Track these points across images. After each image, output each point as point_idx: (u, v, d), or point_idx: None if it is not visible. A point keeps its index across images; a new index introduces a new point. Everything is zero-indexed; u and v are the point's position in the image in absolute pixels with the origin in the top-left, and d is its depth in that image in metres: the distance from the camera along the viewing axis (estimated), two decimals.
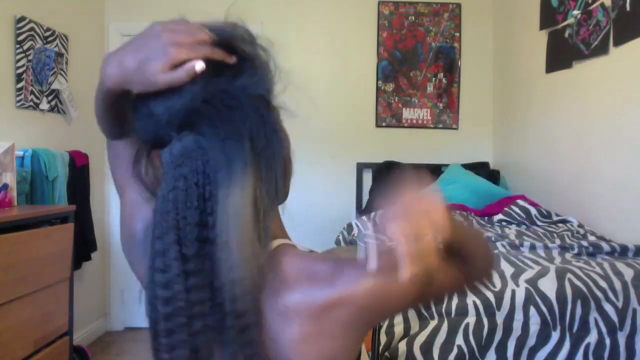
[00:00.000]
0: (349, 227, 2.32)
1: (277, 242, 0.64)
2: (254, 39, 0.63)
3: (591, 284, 1.26)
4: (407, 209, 0.52)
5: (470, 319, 1.23)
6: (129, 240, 0.71)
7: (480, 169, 3.10)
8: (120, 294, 3.38)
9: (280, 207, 0.68)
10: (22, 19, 2.43)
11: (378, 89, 3.35)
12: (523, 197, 2.53)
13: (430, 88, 3.35)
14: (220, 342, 0.56)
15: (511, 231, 2.08)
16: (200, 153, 0.56)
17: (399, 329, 1.26)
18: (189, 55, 0.55)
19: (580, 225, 2.11)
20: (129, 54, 0.56)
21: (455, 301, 1.27)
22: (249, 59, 0.60)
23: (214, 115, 0.56)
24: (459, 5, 3.34)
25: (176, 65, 0.55)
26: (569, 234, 1.99)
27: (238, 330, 0.55)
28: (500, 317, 1.23)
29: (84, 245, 2.81)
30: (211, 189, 0.55)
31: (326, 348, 0.58)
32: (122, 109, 0.64)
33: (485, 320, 1.22)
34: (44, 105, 2.61)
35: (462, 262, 0.65)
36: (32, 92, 2.52)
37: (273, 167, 0.60)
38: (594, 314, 1.21)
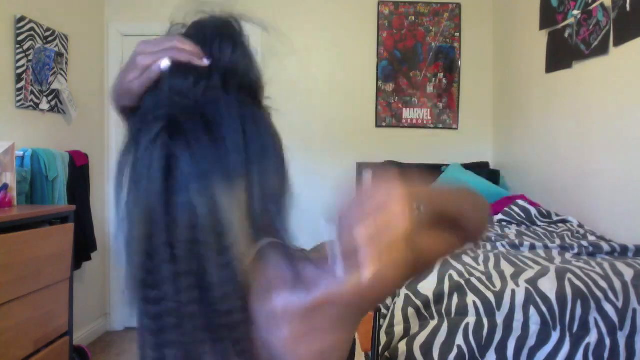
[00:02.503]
0: None
1: (265, 241, 0.63)
2: (239, 37, 0.63)
3: (591, 284, 1.26)
4: (363, 207, 0.53)
5: (470, 319, 1.23)
6: None
7: (480, 169, 3.10)
8: (121, 294, 3.38)
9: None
10: (22, 19, 2.43)
11: (378, 89, 3.35)
12: (523, 197, 2.53)
13: (430, 88, 3.36)
14: (211, 341, 0.56)
15: (511, 231, 2.08)
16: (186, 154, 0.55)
17: (399, 329, 1.26)
18: (153, 60, 0.60)
19: (580, 225, 2.11)
20: (121, 72, 0.65)
21: (455, 301, 1.27)
22: (230, 59, 0.61)
23: (196, 123, 0.56)
24: (459, 5, 3.34)
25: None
26: (569, 234, 1.99)
27: (228, 328, 0.55)
28: (500, 317, 1.22)
29: (84, 245, 2.81)
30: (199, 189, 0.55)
31: (319, 344, 0.59)
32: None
33: (485, 320, 1.22)
34: (44, 105, 2.61)
35: (453, 225, 0.67)
36: (32, 92, 2.52)
37: (264, 167, 0.59)
38: (594, 314, 1.21)
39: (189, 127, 0.56)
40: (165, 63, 0.59)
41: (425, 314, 1.27)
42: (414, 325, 1.25)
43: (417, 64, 3.35)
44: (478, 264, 1.45)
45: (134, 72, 0.61)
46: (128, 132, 0.61)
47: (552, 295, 1.23)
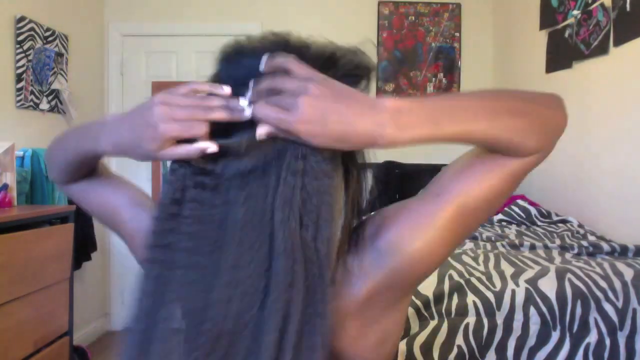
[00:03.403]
0: None
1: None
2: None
3: (591, 284, 1.26)
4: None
5: (470, 319, 1.23)
6: None
7: None
8: (120, 294, 3.38)
9: None
10: (22, 19, 2.43)
11: (378, 89, 3.35)
12: (523, 197, 2.53)
13: (430, 88, 3.35)
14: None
15: (511, 231, 2.08)
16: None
17: None
18: (180, 133, 0.52)
19: (580, 225, 2.11)
20: (123, 130, 0.56)
21: (455, 301, 1.27)
22: None
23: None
24: (459, 5, 3.34)
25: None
26: (569, 234, 1.99)
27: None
28: (500, 317, 1.22)
29: (84, 245, 2.80)
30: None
31: (374, 336, 0.59)
32: (94, 165, 0.72)
33: (485, 320, 1.22)
34: (44, 105, 2.61)
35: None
36: (32, 92, 2.52)
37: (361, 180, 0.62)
38: (594, 314, 1.21)
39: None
40: (212, 149, 0.53)
41: (425, 314, 1.27)
42: (414, 325, 1.25)
43: (417, 64, 3.35)
44: (478, 264, 1.45)
45: (154, 144, 0.53)
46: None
47: (552, 295, 1.23)
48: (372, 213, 0.64)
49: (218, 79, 0.59)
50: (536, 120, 0.55)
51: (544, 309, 1.21)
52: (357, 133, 0.50)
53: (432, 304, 1.28)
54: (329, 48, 0.59)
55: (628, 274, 1.31)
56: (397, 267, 0.57)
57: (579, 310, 1.21)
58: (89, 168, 0.72)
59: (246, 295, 0.50)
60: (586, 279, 1.28)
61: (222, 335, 0.50)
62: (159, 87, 3.33)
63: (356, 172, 0.62)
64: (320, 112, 0.49)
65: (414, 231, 0.57)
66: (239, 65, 0.58)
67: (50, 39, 2.66)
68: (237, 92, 0.56)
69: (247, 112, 0.53)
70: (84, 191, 0.75)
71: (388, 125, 0.50)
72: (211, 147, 0.53)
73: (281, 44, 0.58)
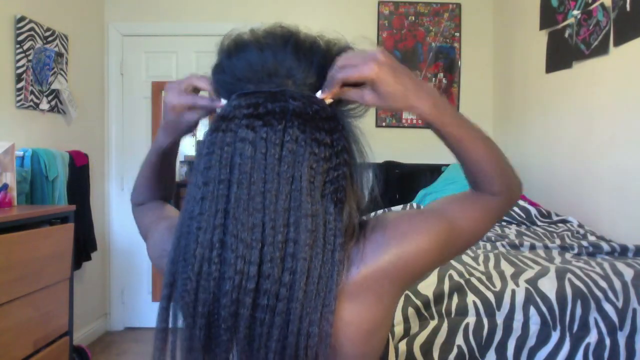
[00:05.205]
0: None
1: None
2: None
3: (591, 284, 1.26)
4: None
5: (470, 319, 1.23)
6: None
7: None
8: (120, 294, 3.38)
9: None
10: (22, 19, 2.43)
11: None
12: (523, 197, 2.53)
13: None
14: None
15: (511, 231, 2.08)
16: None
17: (399, 329, 1.26)
18: (180, 102, 0.71)
19: (580, 225, 2.11)
20: (162, 120, 0.77)
21: (455, 301, 1.27)
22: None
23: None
24: (459, 5, 3.34)
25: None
26: (569, 234, 1.99)
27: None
28: (500, 317, 1.22)
29: (84, 245, 2.81)
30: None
31: (364, 322, 0.62)
32: (170, 165, 0.86)
33: (485, 320, 1.22)
34: (44, 105, 2.61)
35: (472, 178, 0.71)
36: (32, 92, 2.52)
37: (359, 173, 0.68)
38: (594, 314, 1.21)
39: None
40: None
41: (425, 314, 1.27)
42: (414, 325, 1.25)
43: (417, 64, 3.35)
44: (478, 264, 1.45)
45: (164, 109, 0.74)
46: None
47: (552, 295, 1.23)
48: (373, 214, 0.69)
49: (220, 70, 0.65)
50: (507, 173, 0.71)
51: (544, 309, 1.21)
52: (416, 95, 0.62)
53: (432, 304, 1.28)
54: (341, 43, 0.67)
55: (628, 274, 1.31)
56: (391, 260, 0.63)
57: (579, 310, 1.21)
58: (161, 176, 0.86)
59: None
60: (586, 279, 1.28)
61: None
62: (158, 87, 3.33)
63: (356, 171, 0.67)
64: (391, 62, 0.61)
65: (410, 234, 0.64)
66: (242, 60, 0.62)
67: (50, 39, 2.66)
68: (237, 86, 0.62)
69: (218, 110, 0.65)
70: (146, 210, 0.89)
71: (434, 105, 0.64)
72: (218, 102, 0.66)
73: (288, 39, 0.62)
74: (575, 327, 1.20)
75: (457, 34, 3.35)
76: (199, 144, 0.70)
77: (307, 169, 0.58)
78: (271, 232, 0.57)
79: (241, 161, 0.58)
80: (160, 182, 0.86)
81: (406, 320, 1.27)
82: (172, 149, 0.80)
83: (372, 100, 0.62)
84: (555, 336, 1.20)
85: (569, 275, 1.30)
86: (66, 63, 2.82)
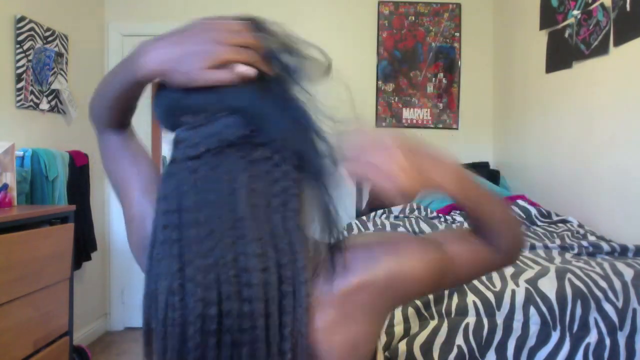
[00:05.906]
0: (349, 227, 2.32)
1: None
2: (294, 49, 0.65)
3: (591, 284, 1.26)
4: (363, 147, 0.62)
5: (470, 319, 1.23)
6: (144, 242, 0.68)
7: (480, 169, 3.09)
8: (120, 294, 3.38)
9: None
10: (22, 19, 2.43)
11: (378, 89, 3.35)
12: (523, 197, 2.53)
13: (430, 88, 3.36)
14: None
15: None
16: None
17: (399, 329, 1.26)
18: (235, 57, 0.55)
19: (580, 225, 2.11)
20: (172, 45, 0.56)
21: (455, 301, 1.27)
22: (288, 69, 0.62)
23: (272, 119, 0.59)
24: (459, 5, 3.34)
25: (218, 66, 0.54)
26: (569, 234, 1.99)
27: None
28: (500, 317, 1.22)
29: (84, 245, 2.81)
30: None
31: (350, 334, 0.61)
32: (137, 99, 0.67)
33: (485, 320, 1.22)
34: (44, 105, 2.61)
35: (482, 232, 0.70)
36: (32, 92, 2.52)
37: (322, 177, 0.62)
38: (594, 314, 1.21)
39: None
40: (252, 72, 0.56)
41: (425, 314, 1.27)
42: (414, 325, 1.25)
43: (417, 64, 3.35)
44: None
45: (205, 59, 0.54)
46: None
47: (552, 295, 1.23)
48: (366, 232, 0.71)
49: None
50: (518, 237, 0.73)
51: (544, 309, 1.21)
52: (437, 175, 0.62)
53: (432, 304, 1.28)
54: (288, 42, 0.64)
55: (628, 274, 1.31)
56: (386, 275, 0.62)
57: (579, 310, 1.21)
58: (128, 104, 0.69)
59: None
60: (586, 279, 1.28)
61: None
62: (159, 87, 3.33)
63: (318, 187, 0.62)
64: (405, 146, 0.59)
65: (409, 254, 0.65)
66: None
67: (50, 39, 2.66)
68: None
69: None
70: (107, 147, 0.74)
71: (457, 180, 0.64)
72: (250, 71, 0.55)
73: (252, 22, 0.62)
74: (575, 327, 1.20)
75: (457, 34, 3.35)
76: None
77: (246, 191, 0.56)
78: (224, 270, 0.55)
79: (187, 204, 0.56)
80: (125, 111, 0.70)
81: (406, 320, 1.27)
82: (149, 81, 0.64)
83: (400, 200, 0.59)
84: (555, 336, 1.20)
85: (569, 275, 1.30)
86: (66, 63, 2.82)
